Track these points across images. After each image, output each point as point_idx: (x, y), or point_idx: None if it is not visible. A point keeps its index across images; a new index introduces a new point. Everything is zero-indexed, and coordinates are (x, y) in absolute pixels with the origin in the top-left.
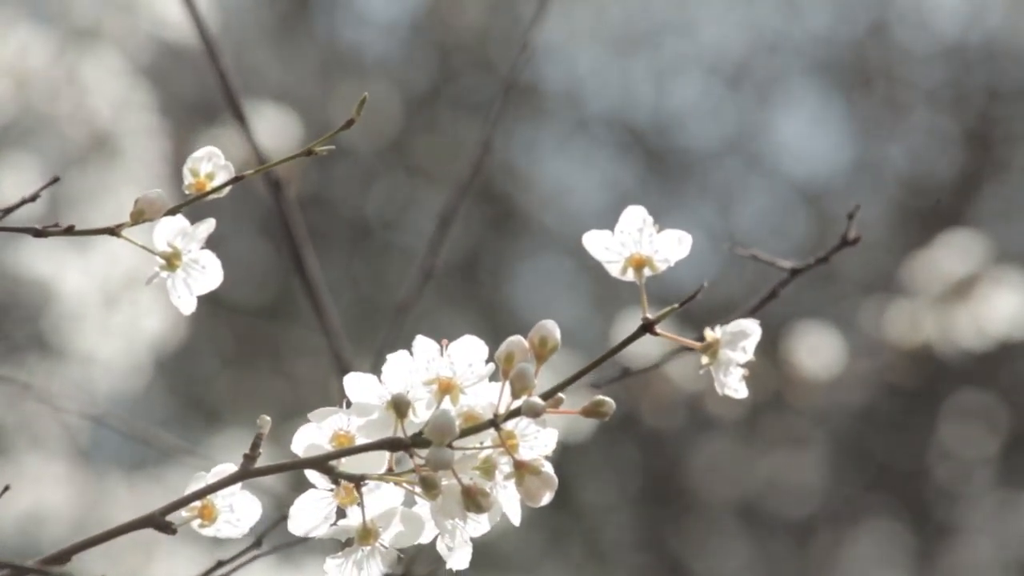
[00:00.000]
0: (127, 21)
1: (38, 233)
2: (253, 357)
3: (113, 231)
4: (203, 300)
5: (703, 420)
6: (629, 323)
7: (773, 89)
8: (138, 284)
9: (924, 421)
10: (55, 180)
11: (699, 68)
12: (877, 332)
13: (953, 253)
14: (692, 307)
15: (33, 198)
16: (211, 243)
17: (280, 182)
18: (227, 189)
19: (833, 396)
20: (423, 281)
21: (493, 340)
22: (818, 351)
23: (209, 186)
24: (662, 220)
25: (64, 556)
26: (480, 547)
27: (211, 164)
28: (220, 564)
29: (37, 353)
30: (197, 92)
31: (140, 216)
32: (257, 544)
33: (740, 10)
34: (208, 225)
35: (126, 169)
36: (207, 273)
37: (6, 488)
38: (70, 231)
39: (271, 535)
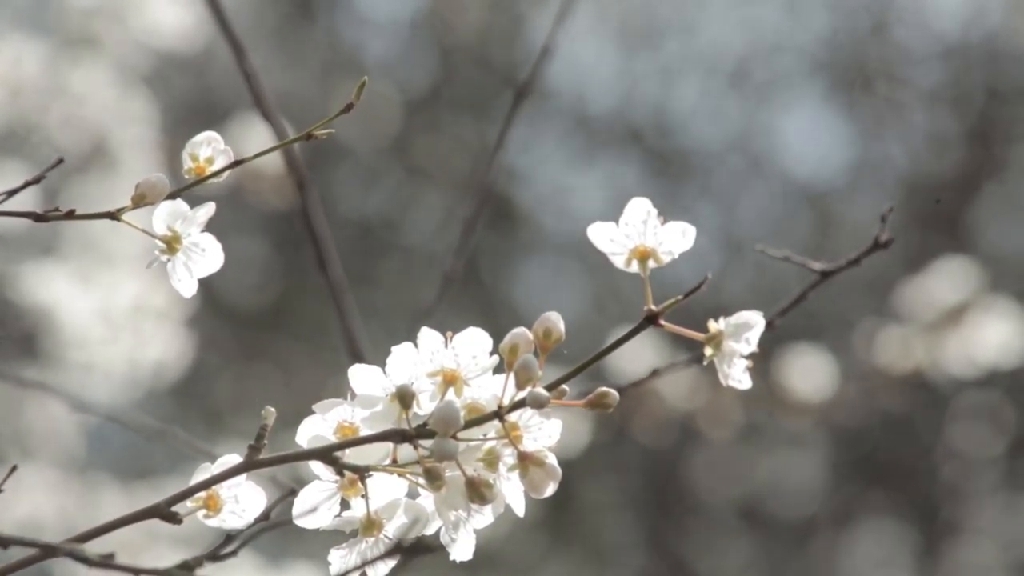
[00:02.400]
0: (121, 30)
1: (39, 218)
2: (254, 362)
3: (113, 215)
4: (204, 305)
5: (697, 433)
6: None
7: (774, 89)
8: (140, 315)
9: (929, 421)
10: (60, 161)
11: (700, 68)
12: (869, 357)
13: (945, 280)
14: (693, 309)
15: (37, 180)
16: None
17: (304, 181)
18: (226, 173)
19: (825, 418)
20: (445, 285)
21: (493, 340)
22: (810, 374)
23: (208, 170)
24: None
25: (75, 543)
26: (480, 547)
27: (210, 148)
28: (229, 539)
29: (35, 370)
30: (192, 100)
31: (141, 200)
32: (266, 517)
33: (741, 10)
34: (208, 208)
35: (121, 178)
36: (207, 256)
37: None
38: (71, 215)
39: (277, 511)
